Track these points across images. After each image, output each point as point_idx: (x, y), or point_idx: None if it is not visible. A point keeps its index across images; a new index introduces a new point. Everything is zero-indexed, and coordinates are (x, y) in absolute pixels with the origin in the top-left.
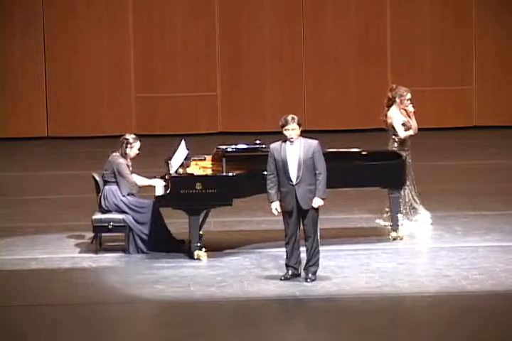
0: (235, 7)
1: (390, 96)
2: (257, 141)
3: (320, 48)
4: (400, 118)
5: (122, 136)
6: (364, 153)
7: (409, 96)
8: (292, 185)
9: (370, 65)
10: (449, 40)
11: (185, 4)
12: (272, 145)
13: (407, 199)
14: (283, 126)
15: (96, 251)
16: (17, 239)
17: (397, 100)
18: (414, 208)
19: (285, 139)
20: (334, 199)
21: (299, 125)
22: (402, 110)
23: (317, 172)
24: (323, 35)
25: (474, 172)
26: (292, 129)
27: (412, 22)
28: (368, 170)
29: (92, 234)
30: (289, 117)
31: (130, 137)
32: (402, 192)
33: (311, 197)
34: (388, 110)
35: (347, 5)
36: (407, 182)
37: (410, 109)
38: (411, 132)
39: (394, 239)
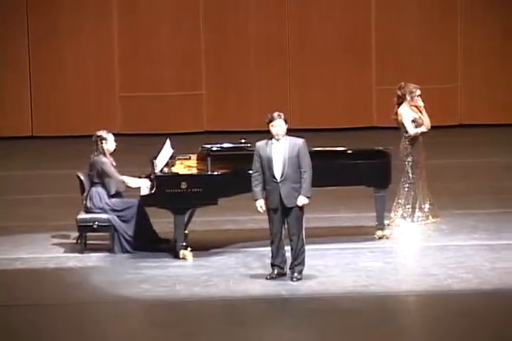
0: (221, 5)
1: (400, 94)
2: (243, 140)
3: (306, 47)
4: (410, 115)
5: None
6: (350, 151)
7: (418, 92)
8: (276, 183)
9: (356, 63)
10: (434, 38)
11: (170, 2)
12: (258, 143)
13: (412, 199)
14: (269, 122)
15: (81, 251)
16: (2, 238)
17: (408, 97)
18: (420, 208)
19: (271, 137)
20: (320, 197)
21: (285, 122)
22: (413, 107)
23: (302, 170)
24: (309, 33)
25: (459, 170)
26: (279, 125)
27: (398, 21)
28: (354, 168)
29: (77, 234)
30: (276, 113)
31: (101, 133)
32: (405, 192)
33: (295, 196)
34: (398, 108)
35: (332, 4)
36: (419, 182)
37: (420, 103)
38: (423, 129)
39: (380, 238)
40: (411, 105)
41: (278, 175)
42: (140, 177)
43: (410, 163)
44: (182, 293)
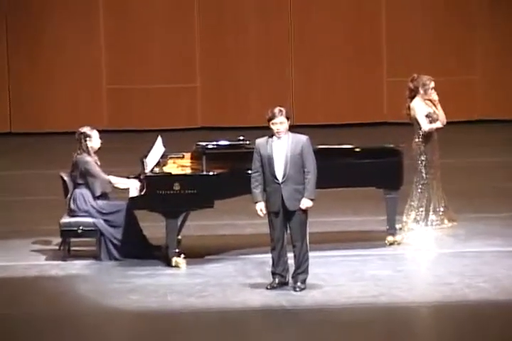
0: None
1: (412, 86)
2: (241, 137)
3: (309, 37)
4: (424, 110)
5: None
6: (358, 149)
7: (432, 84)
8: (278, 184)
9: (362, 55)
10: (449, 27)
11: None
12: (258, 141)
13: (426, 201)
14: (270, 119)
15: (64, 258)
16: None
17: (421, 90)
18: (435, 211)
19: (272, 134)
20: (325, 200)
21: (288, 118)
22: (427, 101)
23: (306, 170)
24: (313, 23)
25: (473, 170)
26: (280, 123)
27: (410, 9)
28: (362, 168)
29: (60, 239)
30: (277, 110)
31: (85, 129)
32: (417, 194)
33: (298, 198)
34: (411, 102)
35: None
36: (434, 183)
37: (434, 97)
38: (438, 124)
39: (391, 244)
40: (425, 99)
41: (279, 175)
42: (128, 178)
43: (424, 162)
44: (175, 304)
